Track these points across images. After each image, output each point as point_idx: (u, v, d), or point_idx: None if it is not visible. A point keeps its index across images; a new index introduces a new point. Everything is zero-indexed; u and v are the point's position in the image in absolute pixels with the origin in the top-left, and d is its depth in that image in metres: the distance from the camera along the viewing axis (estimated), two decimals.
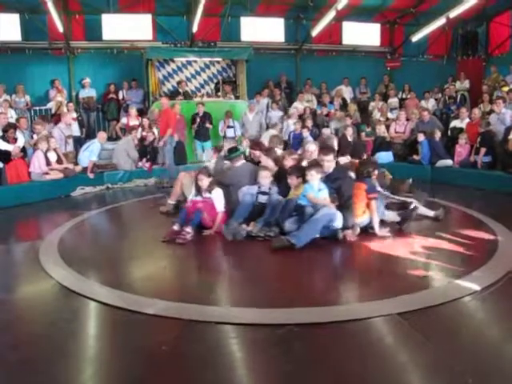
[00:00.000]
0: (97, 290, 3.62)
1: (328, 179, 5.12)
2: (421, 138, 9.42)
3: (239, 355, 2.69)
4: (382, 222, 5.14)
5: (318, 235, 4.70)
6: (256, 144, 6.36)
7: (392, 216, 5.33)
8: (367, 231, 5.00)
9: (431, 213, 5.67)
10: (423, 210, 5.68)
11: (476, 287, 3.45)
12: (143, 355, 2.67)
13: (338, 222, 4.75)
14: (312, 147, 5.89)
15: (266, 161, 5.74)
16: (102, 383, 2.45)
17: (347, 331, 2.92)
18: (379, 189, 5.47)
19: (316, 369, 2.49)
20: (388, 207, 5.45)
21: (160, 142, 9.43)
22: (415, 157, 9.48)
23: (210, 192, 5.24)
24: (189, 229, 4.89)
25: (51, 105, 11.26)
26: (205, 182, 5.23)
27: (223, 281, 4.02)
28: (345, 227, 4.82)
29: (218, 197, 5.23)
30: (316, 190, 4.90)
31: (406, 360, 2.58)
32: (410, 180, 7.21)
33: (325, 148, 5.61)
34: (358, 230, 4.92)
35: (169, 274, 4.22)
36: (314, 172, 4.92)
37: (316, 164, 5.16)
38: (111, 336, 2.96)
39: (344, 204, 4.96)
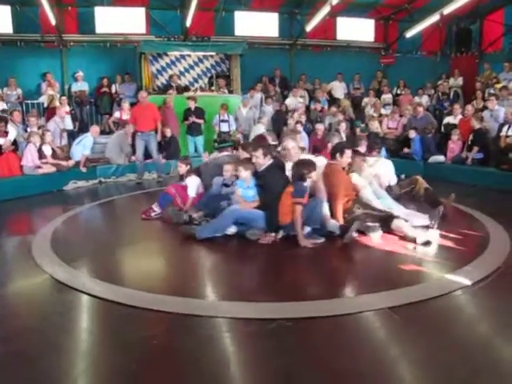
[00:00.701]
0: (89, 283, 3.62)
1: (256, 176, 4.92)
2: (412, 134, 9.49)
3: (231, 349, 2.70)
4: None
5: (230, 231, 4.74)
6: (244, 146, 6.20)
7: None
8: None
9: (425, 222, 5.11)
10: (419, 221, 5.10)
11: (467, 282, 3.48)
12: (135, 349, 2.68)
13: (261, 223, 4.69)
14: (290, 144, 5.53)
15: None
16: (94, 377, 2.45)
17: (339, 325, 2.94)
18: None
19: (307, 363, 2.50)
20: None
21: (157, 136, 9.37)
22: (406, 150, 9.53)
23: (186, 178, 5.86)
24: (155, 206, 5.75)
25: (43, 98, 11.17)
26: (182, 168, 5.94)
27: (215, 275, 4.03)
28: (268, 229, 4.70)
29: (190, 183, 5.79)
30: (245, 186, 4.84)
31: (398, 354, 2.60)
32: (403, 176, 7.24)
33: (254, 143, 5.61)
34: (281, 234, 4.69)
35: (161, 268, 4.22)
36: (241, 168, 4.81)
37: (246, 160, 5.06)
38: (103, 330, 2.95)
39: (267, 204, 4.75)
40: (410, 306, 3.11)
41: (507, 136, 8.17)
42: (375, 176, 5.65)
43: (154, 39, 12.50)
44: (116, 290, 3.47)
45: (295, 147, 5.43)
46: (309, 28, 12.83)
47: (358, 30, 14.32)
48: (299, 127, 10.02)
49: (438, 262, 4.05)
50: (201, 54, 12.73)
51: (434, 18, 12.08)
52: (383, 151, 9.81)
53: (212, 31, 13.07)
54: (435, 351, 2.57)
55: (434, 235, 4.69)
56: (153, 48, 12.16)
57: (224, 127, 10.54)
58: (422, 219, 5.06)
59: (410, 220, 4.93)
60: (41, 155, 8.18)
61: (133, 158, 9.60)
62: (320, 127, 9.77)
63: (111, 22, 12.44)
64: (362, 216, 4.82)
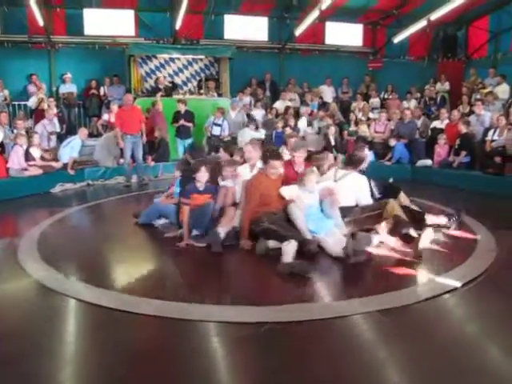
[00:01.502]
0: (76, 287, 3.59)
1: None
2: (392, 142, 9.64)
3: (221, 353, 2.69)
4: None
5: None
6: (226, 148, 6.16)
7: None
8: None
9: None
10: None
11: (455, 285, 3.51)
12: (123, 353, 2.66)
13: (173, 217, 5.08)
14: (248, 147, 5.48)
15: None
16: (81, 382, 2.43)
17: (328, 329, 2.94)
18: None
19: (297, 366, 2.51)
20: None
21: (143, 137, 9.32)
22: (387, 162, 9.63)
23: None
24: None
25: (33, 100, 11.03)
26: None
27: (203, 278, 4.01)
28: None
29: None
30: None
31: (386, 357, 2.62)
32: (391, 179, 7.24)
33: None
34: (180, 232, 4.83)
35: (150, 272, 4.19)
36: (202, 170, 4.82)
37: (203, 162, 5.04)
38: (91, 334, 2.93)
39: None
40: (398, 310, 3.13)
41: (492, 140, 8.29)
42: (328, 191, 4.80)
43: (143, 41, 12.48)
44: (103, 294, 3.44)
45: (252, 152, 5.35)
46: (298, 32, 12.89)
47: (346, 34, 14.44)
48: (288, 131, 10.08)
49: (425, 265, 4.08)
50: (190, 56, 12.71)
51: (422, 23, 12.22)
52: (371, 155, 9.93)
53: (201, 34, 13.07)
54: (423, 354, 2.59)
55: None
56: (142, 50, 12.13)
57: (216, 131, 10.52)
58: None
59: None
60: (28, 157, 8.10)
61: (121, 160, 9.55)
62: (309, 130, 9.82)
63: (100, 23, 12.39)
64: (269, 230, 4.43)
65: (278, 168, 4.80)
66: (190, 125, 10.45)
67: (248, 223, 4.59)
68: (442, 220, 5.21)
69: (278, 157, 4.88)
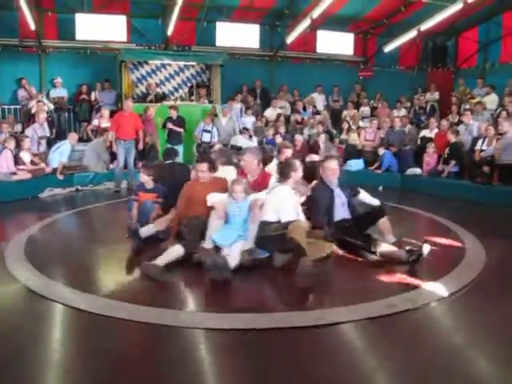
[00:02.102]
0: (63, 292, 3.56)
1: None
2: (381, 151, 9.72)
3: (207, 360, 2.68)
4: None
5: None
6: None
7: None
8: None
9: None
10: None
11: (443, 293, 3.53)
12: (109, 359, 2.64)
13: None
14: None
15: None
16: None
17: (316, 336, 2.95)
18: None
19: (283, 373, 2.51)
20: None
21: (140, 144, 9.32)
22: (377, 171, 9.71)
23: None
24: None
25: (33, 104, 10.89)
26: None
27: (190, 286, 3.99)
28: None
29: None
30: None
31: (374, 364, 2.62)
32: (380, 187, 7.28)
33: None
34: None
35: (137, 278, 4.16)
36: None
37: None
38: (76, 340, 2.91)
39: None
40: (387, 318, 3.14)
41: (481, 150, 8.37)
42: (252, 204, 4.43)
43: (135, 47, 12.46)
44: (90, 299, 3.42)
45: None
46: (289, 40, 12.97)
47: (337, 43, 14.54)
48: (278, 138, 10.11)
49: (414, 273, 4.09)
50: (181, 63, 12.70)
51: (412, 33, 12.36)
52: (361, 163, 10.00)
53: (193, 41, 13.08)
54: (411, 362, 2.60)
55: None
56: (133, 56, 12.10)
57: (206, 137, 10.50)
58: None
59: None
60: (18, 161, 8.03)
61: (111, 166, 9.50)
62: (299, 138, 9.85)
63: (92, 28, 12.34)
64: (181, 233, 4.54)
65: (203, 171, 4.77)
66: (180, 130, 10.43)
67: (176, 224, 4.70)
68: (398, 253, 4.42)
69: (203, 160, 4.90)
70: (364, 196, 5.15)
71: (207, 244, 4.36)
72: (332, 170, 4.96)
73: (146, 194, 5.37)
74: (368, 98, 13.31)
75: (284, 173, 4.65)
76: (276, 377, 2.46)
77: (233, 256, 4.04)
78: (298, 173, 4.69)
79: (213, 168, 4.90)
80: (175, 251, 4.21)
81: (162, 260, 4.08)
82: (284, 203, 4.48)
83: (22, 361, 2.57)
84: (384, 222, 4.90)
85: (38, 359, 2.60)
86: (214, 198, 4.53)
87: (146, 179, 5.40)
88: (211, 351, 2.76)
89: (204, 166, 4.78)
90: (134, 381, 2.42)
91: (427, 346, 2.80)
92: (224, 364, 2.63)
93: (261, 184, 4.88)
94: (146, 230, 4.87)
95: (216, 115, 11.01)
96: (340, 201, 4.95)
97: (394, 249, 4.48)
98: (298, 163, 4.77)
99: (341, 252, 4.70)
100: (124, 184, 9.10)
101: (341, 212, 4.92)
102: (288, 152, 5.75)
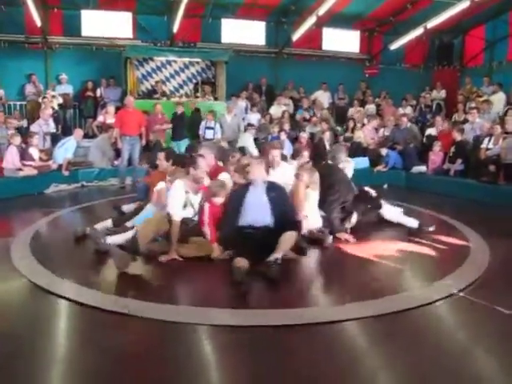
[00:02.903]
0: (69, 288, 3.57)
1: None
2: (383, 152, 9.64)
3: (211, 356, 2.68)
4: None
5: None
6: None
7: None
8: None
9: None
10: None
11: (447, 292, 3.52)
12: (115, 355, 2.64)
13: None
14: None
15: None
16: (70, 381, 2.42)
17: (320, 333, 2.94)
18: None
19: (288, 370, 2.50)
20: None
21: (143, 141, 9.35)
22: (382, 168, 9.63)
23: None
24: None
25: (50, 97, 10.94)
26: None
27: (196, 281, 4.00)
28: None
29: None
30: None
31: (378, 363, 2.61)
32: (385, 185, 7.26)
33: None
34: None
35: (142, 274, 4.17)
36: None
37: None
38: (82, 335, 2.91)
39: None
40: (392, 316, 3.13)
41: (488, 149, 8.32)
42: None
43: (140, 44, 12.46)
44: (95, 295, 3.42)
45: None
46: (295, 37, 12.94)
47: (343, 40, 14.52)
48: (283, 135, 10.11)
49: (419, 271, 4.09)
50: (186, 60, 12.72)
51: (418, 31, 12.30)
52: (366, 161, 9.97)
53: (198, 38, 13.09)
54: (416, 360, 2.59)
55: None
56: (138, 53, 12.12)
57: (209, 134, 10.51)
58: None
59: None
60: (26, 158, 8.06)
61: (115, 162, 9.53)
62: (304, 136, 9.84)
63: (97, 25, 12.39)
64: None
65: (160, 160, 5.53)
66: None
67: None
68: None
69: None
70: (387, 211, 5.21)
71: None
72: (251, 168, 4.61)
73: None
74: (373, 96, 13.27)
75: (183, 165, 4.76)
76: (277, 375, 2.46)
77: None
78: (198, 171, 4.46)
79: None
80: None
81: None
82: (172, 198, 4.39)
83: (27, 356, 2.58)
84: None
85: (44, 355, 2.61)
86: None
87: (164, 165, 5.46)
88: (215, 348, 2.76)
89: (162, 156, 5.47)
90: (139, 377, 2.43)
91: (431, 345, 2.78)
92: (228, 361, 2.64)
93: (213, 176, 5.08)
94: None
95: (198, 110, 10.99)
96: (257, 202, 4.41)
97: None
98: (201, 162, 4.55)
99: (352, 240, 4.84)
100: (129, 180, 9.11)
101: (254, 215, 4.37)
102: (275, 152, 5.38)
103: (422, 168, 9.23)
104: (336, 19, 13.12)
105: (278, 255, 3.89)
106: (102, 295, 3.44)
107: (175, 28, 11.90)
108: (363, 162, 9.99)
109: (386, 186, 8.81)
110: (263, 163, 4.58)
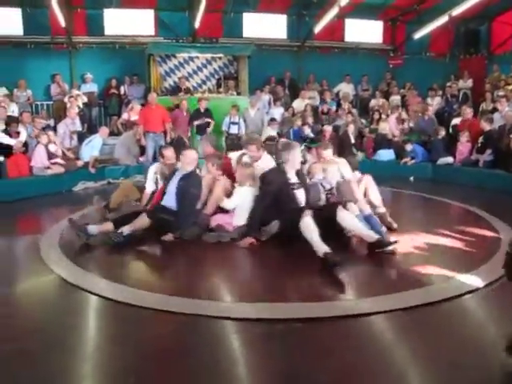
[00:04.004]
0: (97, 283, 3.62)
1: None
2: (408, 147, 9.44)
3: (238, 350, 2.68)
4: None
5: None
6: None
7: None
8: None
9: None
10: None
11: (477, 285, 3.45)
12: (143, 349, 2.67)
13: None
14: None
15: None
16: (100, 377, 2.45)
17: (348, 327, 2.92)
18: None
19: (315, 364, 2.49)
20: None
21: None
22: (408, 162, 9.43)
23: None
24: None
25: (67, 99, 11.13)
26: None
27: (223, 275, 4.01)
28: None
29: None
30: None
31: (408, 355, 2.58)
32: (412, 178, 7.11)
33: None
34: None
35: (170, 269, 4.21)
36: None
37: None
38: (111, 330, 2.95)
39: None
40: (420, 308, 3.08)
41: None
42: None
43: (163, 41, 12.55)
44: (122, 290, 3.46)
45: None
46: (317, 30, 12.81)
47: (366, 31, 14.31)
48: (306, 128, 10.05)
49: (447, 264, 4.01)
50: (209, 55, 12.73)
51: (443, 19, 12.01)
52: (391, 153, 9.82)
53: (220, 33, 13.10)
54: (446, 353, 2.55)
55: None
56: (161, 49, 12.21)
57: (233, 129, 10.52)
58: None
59: None
60: (50, 156, 8.23)
61: (140, 159, 9.63)
62: (328, 129, 9.76)
63: (120, 23, 12.52)
64: None
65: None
66: (210, 121, 10.49)
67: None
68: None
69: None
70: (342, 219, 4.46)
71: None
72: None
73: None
74: (398, 87, 13.06)
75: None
76: (306, 368, 2.45)
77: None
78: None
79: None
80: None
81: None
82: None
83: (58, 351, 2.63)
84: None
85: (73, 350, 2.65)
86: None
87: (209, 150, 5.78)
88: (242, 342, 2.76)
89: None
90: (167, 371, 2.45)
91: (459, 339, 2.74)
92: (255, 355, 2.64)
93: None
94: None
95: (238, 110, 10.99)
96: (172, 187, 4.98)
97: None
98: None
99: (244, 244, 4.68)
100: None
101: (166, 198, 4.97)
102: (251, 148, 5.34)
103: (449, 159, 9.04)
104: (358, 9, 12.95)
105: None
106: (128, 289, 3.47)
107: (197, 24, 11.94)
108: (388, 154, 9.87)
109: (412, 179, 8.68)
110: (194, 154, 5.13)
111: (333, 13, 11.64)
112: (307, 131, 10.00)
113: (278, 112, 11.41)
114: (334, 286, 3.67)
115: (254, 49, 12.29)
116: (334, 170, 5.19)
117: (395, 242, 4.29)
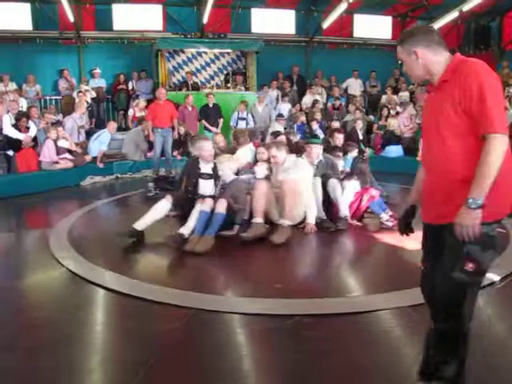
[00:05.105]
0: (106, 277, 3.65)
1: None
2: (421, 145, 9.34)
3: (248, 345, 2.69)
4: None
5: None
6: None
7: None
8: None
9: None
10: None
11: (487, 281, 3.42)
12: (152, 342, 2.69)
13: None
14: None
15: None
16: (109, 370, 2.47)
17: (357, 323, 2.92)
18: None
19: (324, 359, 2.49)
20: None
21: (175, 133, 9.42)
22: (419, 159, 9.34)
23: None
24: None
25: (75, 94, 11.18)
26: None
27: (232, 270, 4.02)
28: None
29: None
30: None
31: (416, 352, 2.57)
32: None
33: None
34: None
35: (179, 263, 4.22)
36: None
37: None
38: (120, 323, 2.97)
39: None
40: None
41: None
42: None
43: (171, 36, 12.54)
44: (132, 284, 3.48)
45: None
46: (325, 25, 12.75)
47: (374, 27, 14.17)
48: (314, 124, 10.01)
49: None
50: (217, 51, 12.72)
51: (453, 15, 11.91)
52: (400, 150, 9.76)
53: (228, 28, 13.06)
54: None
55: None
56: (169, 45, 12.20)
57: (241, 125, 10.50)
58: None
59: None
60: (58, 151, 8.26)
61: (148, 154, 9.65)
62: (335, 124, 9.71)
63: (128, 18, 12.49)
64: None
65: None
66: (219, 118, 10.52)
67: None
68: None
69: None
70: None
71: None
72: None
73: None
74: (407, 83, 12.97)
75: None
76: (316, 363, 2.45)
77: None
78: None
79: None
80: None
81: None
82: None
83: (67, 344, 2.64)
84: None
85: (82, 343, 2.67)
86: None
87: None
88: (252, 337, 2.77)
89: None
90: (175, 365, 2.46)
91: (472, 333, 2.72)
92: (264, 350, 2.64)
93: None
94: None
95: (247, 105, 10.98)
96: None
97: None
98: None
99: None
100: (162, 172, 9.21)
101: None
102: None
103: None
104: (367, 5, 12.87)
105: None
106: (137, 283, 3.49)
107: (205, 19, 11.92)
108: (397, 150, 9.81)
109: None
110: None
111: (341, 8, 11.59)
112: (315, 127, 9.95)
113: (285, 108, 11.38)
114: (342, 282, 3.67)
115: (262, 44, 12.24)
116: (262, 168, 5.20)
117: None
